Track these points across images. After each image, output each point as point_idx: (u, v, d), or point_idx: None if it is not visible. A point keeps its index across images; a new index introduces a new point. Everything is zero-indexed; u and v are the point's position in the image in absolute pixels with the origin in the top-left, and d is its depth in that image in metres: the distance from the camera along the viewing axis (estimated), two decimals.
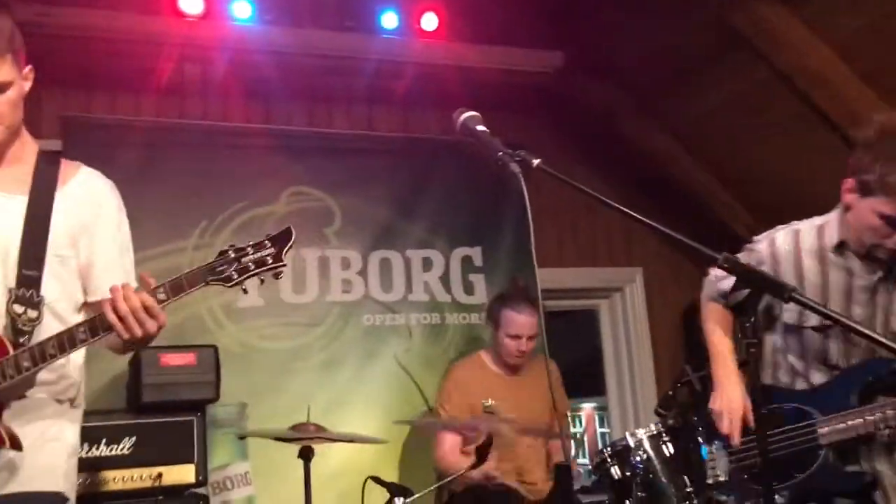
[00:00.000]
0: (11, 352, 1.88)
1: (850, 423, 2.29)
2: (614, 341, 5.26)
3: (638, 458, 2.92)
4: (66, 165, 2.08)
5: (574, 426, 7.77)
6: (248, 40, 4.08)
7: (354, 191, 4.46)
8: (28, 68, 1.99)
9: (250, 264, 1.90)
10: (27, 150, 2.05)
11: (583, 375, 5.77)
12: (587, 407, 8.44)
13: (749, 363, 1.79)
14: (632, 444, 2.97)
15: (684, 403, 3.07)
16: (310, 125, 4.61)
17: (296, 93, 4.50)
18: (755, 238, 2.56)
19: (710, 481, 2.52)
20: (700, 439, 2.88)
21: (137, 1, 3.87)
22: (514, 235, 4.66)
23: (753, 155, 4.45)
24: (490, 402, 3.03)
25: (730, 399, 2.46)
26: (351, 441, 3.28)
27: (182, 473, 3.38)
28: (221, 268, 1.89)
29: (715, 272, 2.64)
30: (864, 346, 2.36)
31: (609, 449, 3.01)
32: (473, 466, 3.11)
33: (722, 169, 4.80)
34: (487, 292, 4.63)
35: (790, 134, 4.10)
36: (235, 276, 1.89)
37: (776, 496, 2.34)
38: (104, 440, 3.29)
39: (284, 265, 1.92)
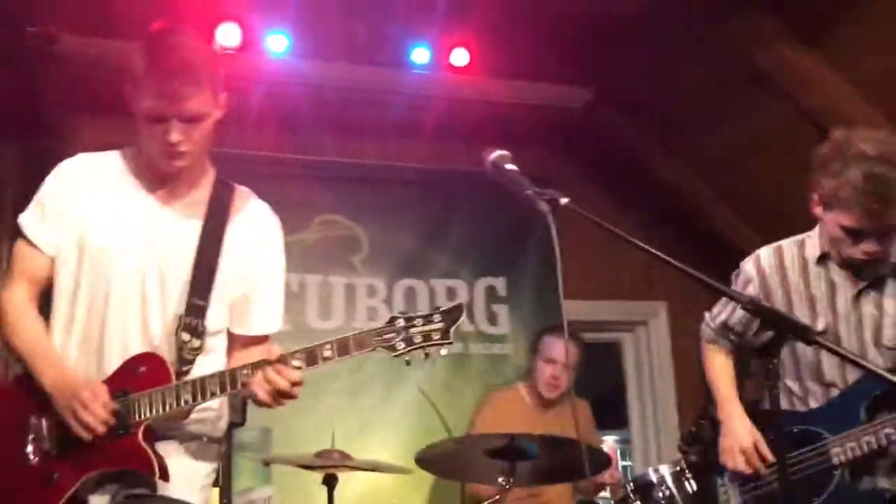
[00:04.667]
0: (174, 381, 1.87)
1: (862, 439, 2.27)
2: (637, 374, 5.27)
3: (661, 495, 2.92)
4: (239, 195, 2.08)
5: None
6: (282, 73, 4.19)
7: (382, 220, 4.55)
8: (223, 95, 1.98)
9: (417, 336, 1.87)
10: (205, 175, 2.06)
11: (605, 408, 5.76)
12: (609, 440, 8.41)
13: (771, 403, 1.81)
14: (654, 479, 2.97)
15: (707, 440, 3.08)
16: (340, 156, 4.70)
17: (328, 124, 4.59)
18: (742, 262, 2.58)
19: None
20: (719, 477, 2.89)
21: None
22: (540, 266, 4.70)
23: (776, 192, 4.46)
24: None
25: (738, 435, 2.45)
26: (375, 469, 3.31)
27: None
28: (389, 335, 1.87)
29: (710, 313, 2.67)
30: None
31: (632, 484, 3.01)
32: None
33: (745, 205, 4.82)
34: (511, 323, 4.67)
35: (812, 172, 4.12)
36: (401, 347, 1.87)
37: None
38: None
39: (451, 343, 1.89)
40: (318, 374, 4.62)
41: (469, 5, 3.86)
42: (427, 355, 1.89)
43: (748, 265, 2.55)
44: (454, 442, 3.32)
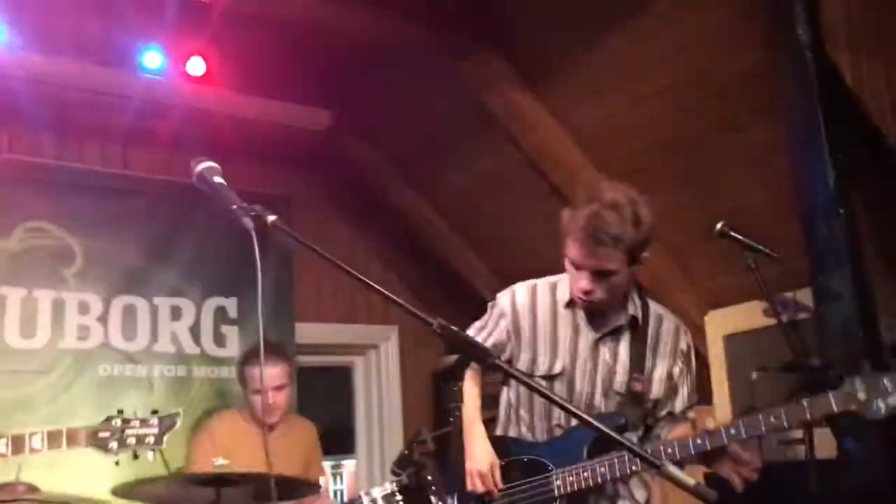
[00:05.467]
0: None
1: (582, 475, 2.41)
2: (367, 398, 5.32)
3: None
4: None
5: (337, 483, 7.73)
6: None
7: (101, 231, 4.22)
8: None
9: (131, 438, 1.96)
10: None
11: (335, 432, 5.75)
12: (351, 463, 8.44)
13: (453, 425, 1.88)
14: (366, 503, 3.00)
15: (419, 462, 3.16)
16: (58, 158, 4.32)
17: (46, 123, 4.21)
18: (499, 294, 2.68)
19: None
20: (433, 497, 2.97)
21: None
22: (273, 288, 4.57)
23: (503, 229, 4.74)
24: (221, 461, 2.92)
25: (476, 459, 2.54)
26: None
27: None
28: (104, 434, 1.93)
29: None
30: (583, 401, 2.50)
31: None
32: None
33: (475, 239, 5.06)
34: (241, 345, 4.51)
35: (534, 210, 4.39)
36: (114, 447, 1.94)
37: None
38: None
39: (163, 448, 2.01)
40: (14, 400, 4.17)
41: (205, 15, 3.72)
42: (136, 456, 2.00)
43: (504, 299, 2.64)
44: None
